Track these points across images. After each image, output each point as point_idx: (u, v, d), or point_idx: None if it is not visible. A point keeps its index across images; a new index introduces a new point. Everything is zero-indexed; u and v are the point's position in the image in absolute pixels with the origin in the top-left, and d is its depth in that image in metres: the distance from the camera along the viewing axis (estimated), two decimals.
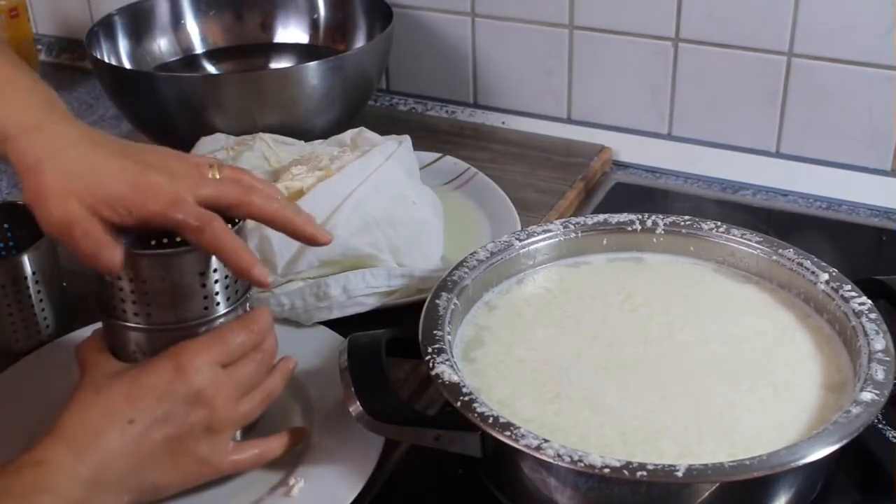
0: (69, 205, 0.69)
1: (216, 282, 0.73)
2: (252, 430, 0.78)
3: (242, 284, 0.76)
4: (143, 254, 0.73)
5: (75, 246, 0.69)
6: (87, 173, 0.71)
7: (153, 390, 0.69)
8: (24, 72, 0.78)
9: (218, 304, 0.74)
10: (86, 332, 0.90)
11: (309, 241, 0.77)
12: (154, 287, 0.71)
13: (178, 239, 0.77)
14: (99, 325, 0.77)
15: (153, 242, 0.78)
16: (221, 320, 0.74)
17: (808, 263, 0.84)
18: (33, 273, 0.89)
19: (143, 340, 0.74)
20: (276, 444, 0.76)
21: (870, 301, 0.79)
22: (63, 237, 0.70)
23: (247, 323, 0.74)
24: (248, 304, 0.77)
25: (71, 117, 0.76)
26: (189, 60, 1.32)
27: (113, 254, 0.69)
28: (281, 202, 0.76)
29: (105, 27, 1.24)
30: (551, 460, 0.66)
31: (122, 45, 1.27)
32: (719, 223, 0.89)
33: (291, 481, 0.76)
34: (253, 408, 0.75)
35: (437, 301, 0.81)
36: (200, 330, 0.74)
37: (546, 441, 0.67)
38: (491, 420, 0.69)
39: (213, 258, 0.72)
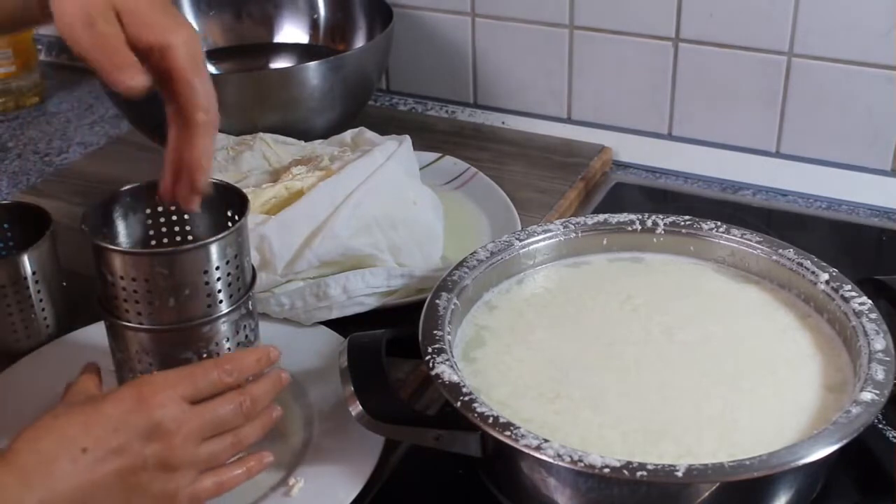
0: (98, 17, 0.68)
1: (218, 280, 0.73)
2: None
3: (244, 283, 0.76)
4: (145, 253, 0.73)
5: (99, 60, 0.68)
6: None
7: (110, 420, 0.64)
8: None
9: (221, 302, 0.74)
10: (86, 331, 0.91)
11: (182, 187, 0.73)
12: (156, 287, 0.71)
13: (178, 239, 0.77)
14: (96, 341, 0.77)
15: (154, 243, 0.78)
16: (224, 319, 0.74)
17: (808, 263, 0.84)
18: (33, 273, 0.89)
19: (145, 340, 0.73)
20: (238, 472, 0.71)
21: (870, 301, 0.79)
22: (89, 51, 0.68)
23: (222, 361, 0.70)
24: (250, 304, 0.77)
25: None
26: None
27: (137, 77, 0.68)
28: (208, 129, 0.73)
29: None
30: (551, 460, 0.66)
31: None
32: (719, 223, 0.89)
33: (291, 481, 0.76)
34: (219, 451, 0.69)
35: (437, 301, 0.81)
36: (203, 329, 0.73)
37: (546, 441, 0.67)
38: (491, 420, 0.69)
39: (219, 255, 0.72)
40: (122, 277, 0.71)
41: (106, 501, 0.65)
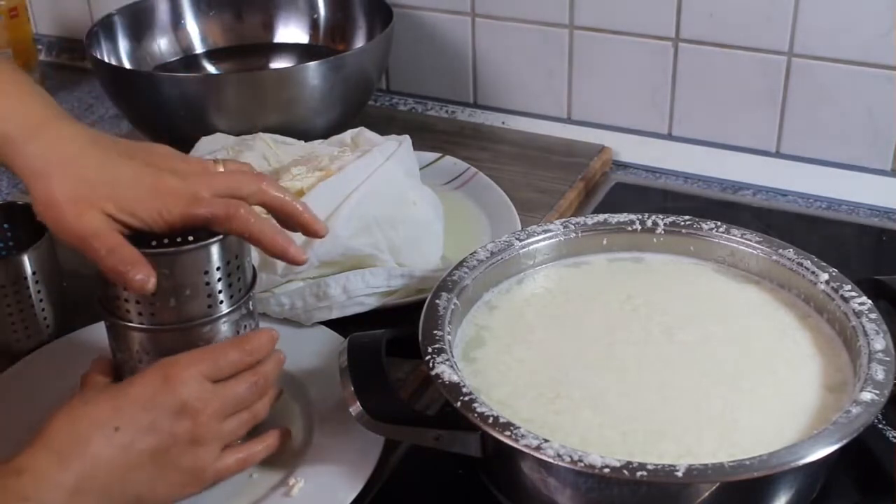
0: (87, 215, 0.68)
1: (219, 280, 0.73)
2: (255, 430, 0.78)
3: (245, 283, 0.76)
4: (145, 253, 0.73)
5: (99, 260, 0.68)
6: (102, 181, 0.70)
7: (139, 400, 0.68)
8: (24, 78, 0.77)
9: (221, 302, 0.74)
10: (86, 331, 0.91)
11: (309, 231, 0.76)
12: (159, 286, 0.71)
13: (179, 239, 0.77)
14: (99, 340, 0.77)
15: (154, 242, 0.78)
16: (224, 319, 0.74)
17: (808, 263, 0.84)
18: (33, 273, 0.89)
19: (146, 340, 0.73)
20: (259, 448, 0.75)
21: (870, 301, 0.79)
22: (83, 249, 0.69)
23: (241, 342, 0.73)
24: (250, 304, 0.77)
25: (73, 119, 0.75)
26: (189, 60, 1.32)
27: (147, 274, 0.68)
28: (287, 191, 0.76)
29: (105, 27, 1.24)
30: (551, 460, 0.66)
31: (122, 45, 1.27)
32: (719, 223, 0.89)
33: (291, 481, 0.76)
34: (238, 427, 0.73)
35: (437, 301, 0.81)
36: (204, 329, 0.74)
37: (546, 441, 0.67)
38: (491, 420, 0.69)
39: (219, 255, 0.72)
40: None
41: (140, 478, 0.68)
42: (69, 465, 0.65)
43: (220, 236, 0.72)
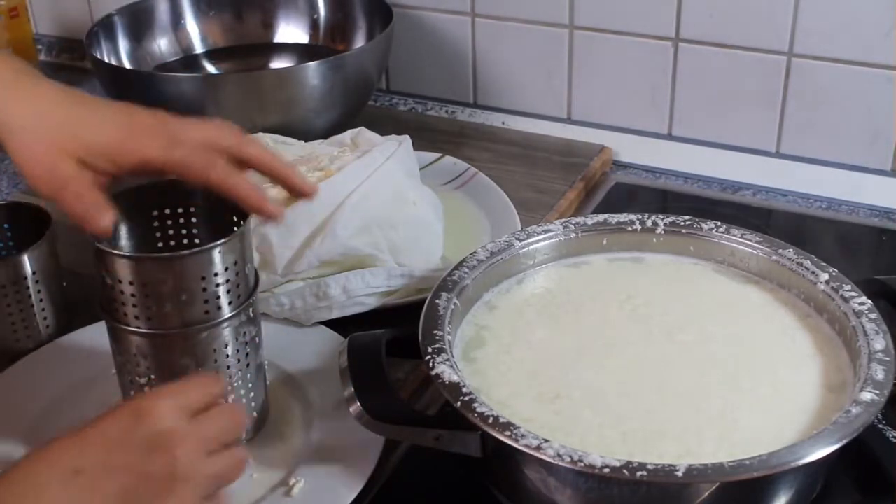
0: (60, 163, 0.68)
1: (218, 286, 0.72)
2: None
3: (246, 288, 0.75)
4: (145, 257, 0.73)
5: (67, 208, 0.68)
6: (76, 125, 0.69)
7: (105, 437, 0.60)
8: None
9: (220, 308, 0.73)
10: (86, 332, 0.90)
11: (296, 191, 0.76)
12: (156, 290, 0.70)
13: (186, 241, 0.77)
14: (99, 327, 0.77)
15: (160, 245, 0.78)
16: (225, 324, 0.74)
17: (808, 263, 0.84)
18: (33, 273, 0.89)
19: (143, 344, 0.73)
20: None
21: (870, 301, 0.79)
22: (54, 198, 0.68)
23: (210, 380, 0.66)
24: (251, 310, 0.76)
25: (48, 79, 0.75)
26: (189, 60, 1.32)
27: (105, 217, 0.68)
28: (272, 151, 0.75)
29: (105, 27, 1.24)
30: (551, 460, 0.66)
31: (122, 45, 1.27)
32: (719, 223, 0.89)
33: (291, 481, 0.76)
34: (223, 470, 0.63)
35: (437, 301, 0.80)
36: (202, 335, 0.73)
37: (546, 441, 0.67)
38: (491, 420, 0.69)
39: (217, 261, 0.72)
40: (120, 281, 0.71)
41: None
42: None
43: (221, 242, 0.71)
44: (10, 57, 0.75)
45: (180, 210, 0.78)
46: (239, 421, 0.66)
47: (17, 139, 0.69)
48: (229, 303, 0.74)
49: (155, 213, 0.77)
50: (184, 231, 0.79)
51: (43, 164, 0.68)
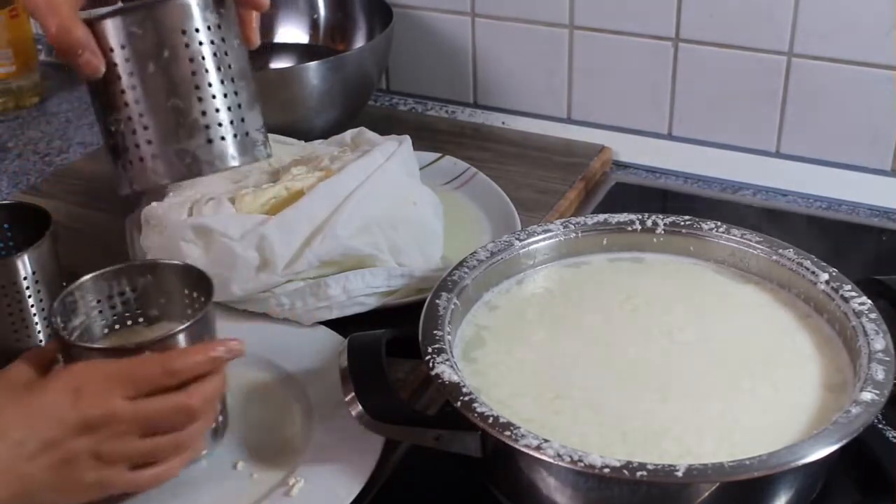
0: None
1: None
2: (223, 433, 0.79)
3: (200, 303, 0.75)
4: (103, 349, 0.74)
5: (49, 38, 0.70)
6: None
7: (46, 412, 0.66)
8: None
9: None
10: None
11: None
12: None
13: (142, 321, 0.78)
14: None
15: (117, 326, 0.78)
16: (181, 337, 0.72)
17: (808, 263, 0.84)
18: (33, 273, 0.88)
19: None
20: (176, 462, 0.71)
21: (870, 301, 0.79)
22: (38, 22, 0.70)
23: (166, 359, 0.69)
24: (208, 331, 0.75)
25: None
26: None
27: (98, 61, 0.69)
28: None
29: None
30: (551, 460, 0.66)
31: None
32: (719, 223, 0.89)
33: (291, 481, 0.76)
34: (151, 450, 0.69)
35: (437, 301, 0.81)
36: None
37: (546, 441, 0.67)
38: (491, 420, 0.69)
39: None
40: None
41: (42, 490, 0.66)
42: None
43: (185, 326, 0.71)
44: None
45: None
46: (185, 408, 0.69)
47: None
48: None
49: (114, 292, 0.78)
50: (139, 311, 0.80)
51: None
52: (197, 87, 0.70)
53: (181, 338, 0.72)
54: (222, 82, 0.71)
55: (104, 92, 0.72)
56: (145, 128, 0.71)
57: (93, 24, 0.70)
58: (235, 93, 0.72)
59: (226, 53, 0.71)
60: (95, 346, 0.76)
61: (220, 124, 0.71)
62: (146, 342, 0.71)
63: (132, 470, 0.69)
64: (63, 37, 0.69)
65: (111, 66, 0.70)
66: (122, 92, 0.71)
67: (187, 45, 0.70)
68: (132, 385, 0.67)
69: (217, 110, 0.71)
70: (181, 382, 0.69)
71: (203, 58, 0.70)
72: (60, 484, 0.67)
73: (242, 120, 0.72)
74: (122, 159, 0.72)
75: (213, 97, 0.71)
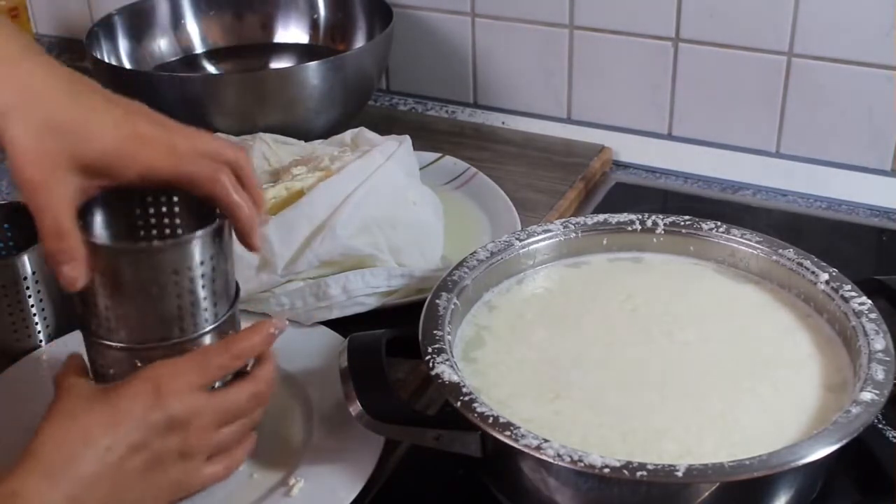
0: (50, 181, 0.63)
1: (192, 291, 0.70)
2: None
3: (223, 308, 0.73)
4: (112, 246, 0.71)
5: (41, 238, 0.65)
6: (73, 126, 0.65)
7: (130, 416, 0.66)
8: (5, 22, 0.71)
9: (196, 324, 0.71)
10: None
11: (245, 240, 0.72)
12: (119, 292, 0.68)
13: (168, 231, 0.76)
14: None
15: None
16: (207, 339, 0.72)
17: (808, 263, 0.84)
18: (33, 273, 0.89)
19: (120, 357, 0.71)
20: (241, 452, 0.73)
21: (870, 301, 0.79)
22: (32, 212, 0.65)
23: (227, 345, 0.71)
24: (235, 327, 0.75)
25: (50, 57, 0.70)
26: (189, 60, 1.32)
27: (79, 273, 0.66)
28: (258, 180, 0.72)
29: (105, 27, 1.24)
30: (551, 460, 0.66)
31: (122, 45, 1.27)
32: (719, 223, 0.89)
33: (291, 481, 0.76)
34: (231, 436, 0.72)
35: (437, 301, 0.80)
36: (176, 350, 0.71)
37: (546, 441, 0.67)
38: (491, 420, 0.69)
39: (197, 255, 0.69)
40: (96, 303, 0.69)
41: (131, 494, 0.67)
42: (60, 487, 0.63)
43: (196, 234, 0.69)
44: (10, 27, 0.70)
45: (164, 208, 0.76)
46: (257, 393, 0.72)
47: (2, 126, 0.64)
48: (206, 320, 0.71)
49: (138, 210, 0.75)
50: (167, 227, 0.76)
51: (32, 172, 0.64)
52: (180, 318, 0.70)
53: (196, 244, 0.68)
54: (204, 299, 0.71)
55: (78, 293, 0.70)
56: (117, 330, 0.70)
57: (89, 242, 0.67)
58: (215, 304, 0.72)
59: (213, 280, 0.71)
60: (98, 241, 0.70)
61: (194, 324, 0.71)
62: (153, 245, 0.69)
63: (206, 463, 0.70)
64: (53, 243, 0.65)
65: (92, 285, 0.68)
66: (98, 305, 0.70)
67: (177, 283, 0.69)
68: (206, 375, 0.69)
69: (195, 324, 0.71)
70: (244, 366, 0.71)
71: (191, 291, 0.70)
72: (147, 486, 0.67)
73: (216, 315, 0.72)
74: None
75: (193, 315, 0.71)
